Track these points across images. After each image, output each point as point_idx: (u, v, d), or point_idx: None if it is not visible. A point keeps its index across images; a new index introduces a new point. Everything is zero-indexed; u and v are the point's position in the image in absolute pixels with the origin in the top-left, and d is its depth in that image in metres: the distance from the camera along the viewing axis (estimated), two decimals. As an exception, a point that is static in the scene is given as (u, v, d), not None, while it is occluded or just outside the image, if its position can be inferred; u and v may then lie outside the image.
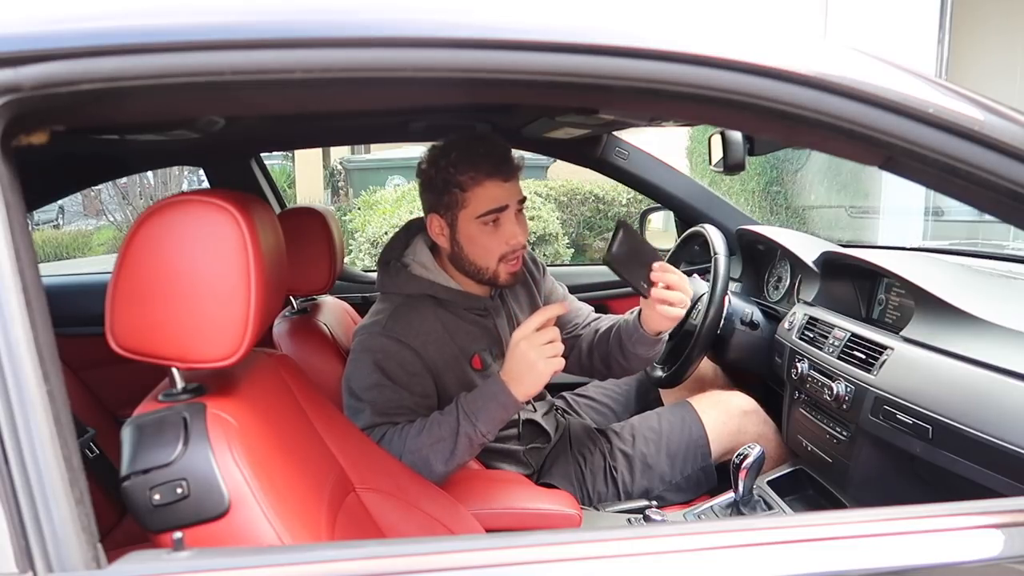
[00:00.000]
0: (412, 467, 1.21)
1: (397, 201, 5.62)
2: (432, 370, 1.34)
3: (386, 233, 4.84)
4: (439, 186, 1.34)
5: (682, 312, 1.31)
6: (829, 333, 1.47)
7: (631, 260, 1.26)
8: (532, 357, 1.19)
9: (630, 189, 2.92)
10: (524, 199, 1.38)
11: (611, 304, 2.26)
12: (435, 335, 1.36)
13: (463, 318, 1.41)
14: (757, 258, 2.05)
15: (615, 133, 2.00)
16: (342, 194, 8.83)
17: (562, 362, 1.21)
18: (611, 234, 1.27)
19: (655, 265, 1.27)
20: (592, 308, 1.69)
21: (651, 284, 1.28)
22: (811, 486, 1.56)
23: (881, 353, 1.28)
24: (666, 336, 1.48)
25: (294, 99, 0.73)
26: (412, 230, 1.47)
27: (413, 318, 1.35)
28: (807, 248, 1.73)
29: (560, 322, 1.62)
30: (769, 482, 1.57)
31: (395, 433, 1.26)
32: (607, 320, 1.58)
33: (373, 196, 6.16)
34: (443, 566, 0.58)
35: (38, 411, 0.54)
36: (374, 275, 1.75)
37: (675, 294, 1.28)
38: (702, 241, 1.81)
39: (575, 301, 1.67)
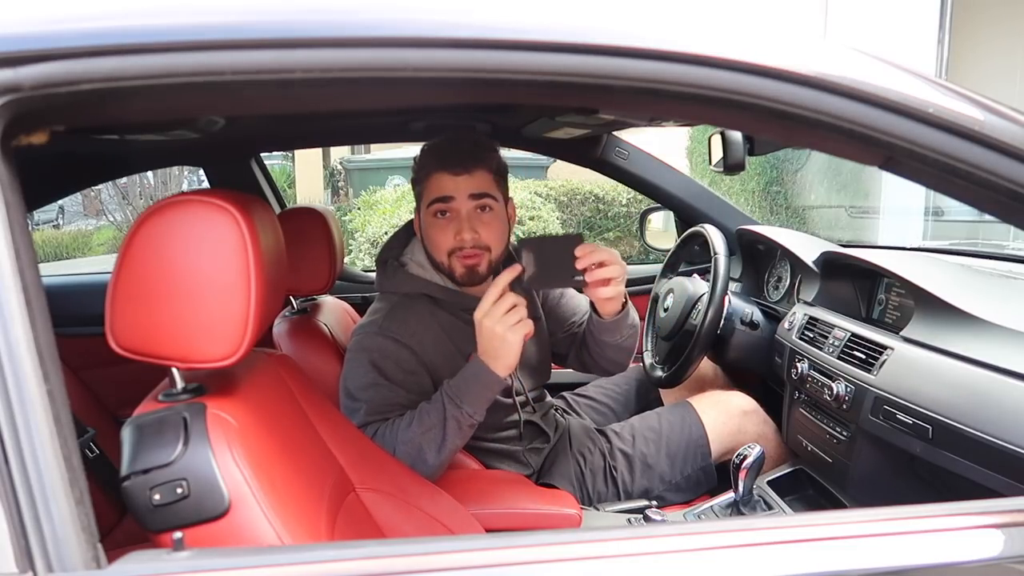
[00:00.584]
0: (406, 459, 1.21)
1: (397, 201, 5.62)
2: (429, 368, 1.35)
3: (386, 233, 4.83)
4: (413, 179, 1.41)
5: (621, 286, 1.28)
6: (829, 333, 1.47)
7: (550, 270, 1.21)
8: (499, 331, 1.19)
9: (630, 189, 2.92)
10: (483, 197, 1.34)
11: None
12: (432, 334, 1.36)
13: (459, 318, 1.41)
14: (757, 258, 2.05)
15: (615, 133, 2.00)
16: (342, 194, 8.83)
17: (530, 325, 1.20)
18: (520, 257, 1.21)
19: (578, 252, 1.19)
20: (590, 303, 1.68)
21: (582, 274, 1.21)
22: (811, 486, 1.56)
23: (881, 353, 1.28)
24: (633, 319, 1.46)
25: (294, 99, 0.73)
26: (411, 230, 1.48)
27: (409, 317, 1.36)
28: (807, 248, 1.73)
29: (558, 320, 1.62)
30: (769, 482, 1.57)
31: (387, 428, 1.27)
32: None
33: (373, 196, 6.16)
34: (443, 566, 0.58)
35: (38, 411, 0.54)
36: (374, 275, 1.75)
37: (608, 270, 1.24)
38: (702, 241, 1.81)
39: (574, 297, 1.67)
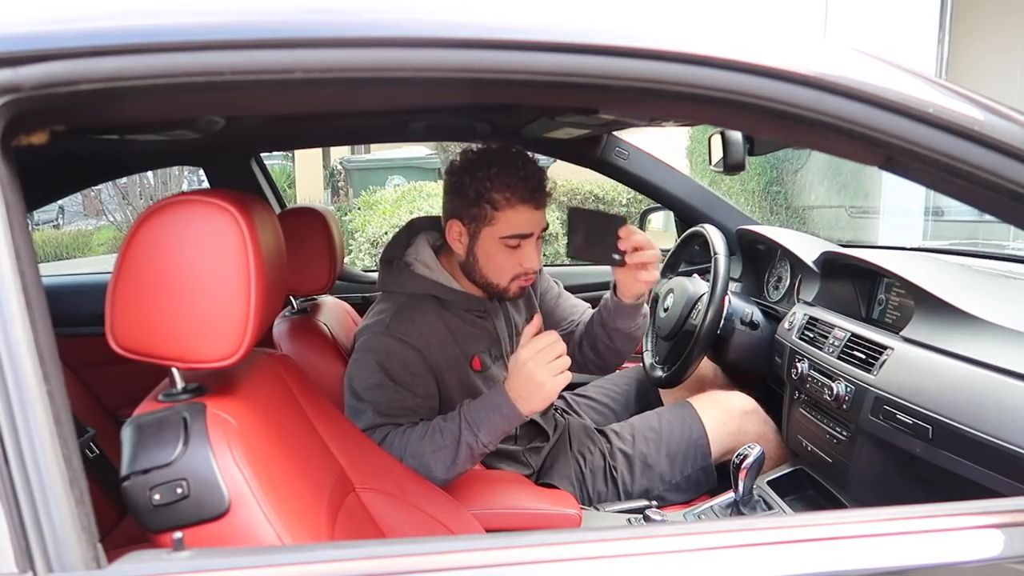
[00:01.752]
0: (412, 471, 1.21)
1: (397, 201, 5.62)
2: (434, 370, 1.34)
3: (386, 233, 4.84)
4: (470, 196, 1.32)
5: (657, 272, 1.34)
6: (829, 333, 1.47)
7: (595, 242, 1.28)
8: (541, 377, 1.16)
9: (630, 189, 2.92)
10: (547, 227, 1.38)
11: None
12: (438, 335, 1.36)
13: (464, 319, 1.41)
14: (757, 258, 2.05)
15: (615, 133, 2.00)
16: (342, 194, 8.83)
17: (569, 376, 1.20)
18: (567, 224, 1.31)
19: (621, 232, 1.27)
20: (588, 305, 1.69)
21: (623, 253, 1.29)
22: (811, 486, 1.56)
23: (881, 353, 1.28)
24: (646, 309, 1.50)
25: (294, 99, 0.73)
26: (413, 229, 1.47)
27: (416, 318, 1.35)
28: (807, 248, 1.73)
29: (556, 320, 1.63)
30: (769, 482, 1.57)
31: (396, 436, 1.26)
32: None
33: (373, 196, 6.17)
34: (443, 566, 0.58)
35: (38, 411, 0.54)
36: (374, 275, 1.74)
37: (647, 254, 1.30)
38: (702, 241, 1.81)
39: (570, 298, 1.67)
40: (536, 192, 1.31)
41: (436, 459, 1.23)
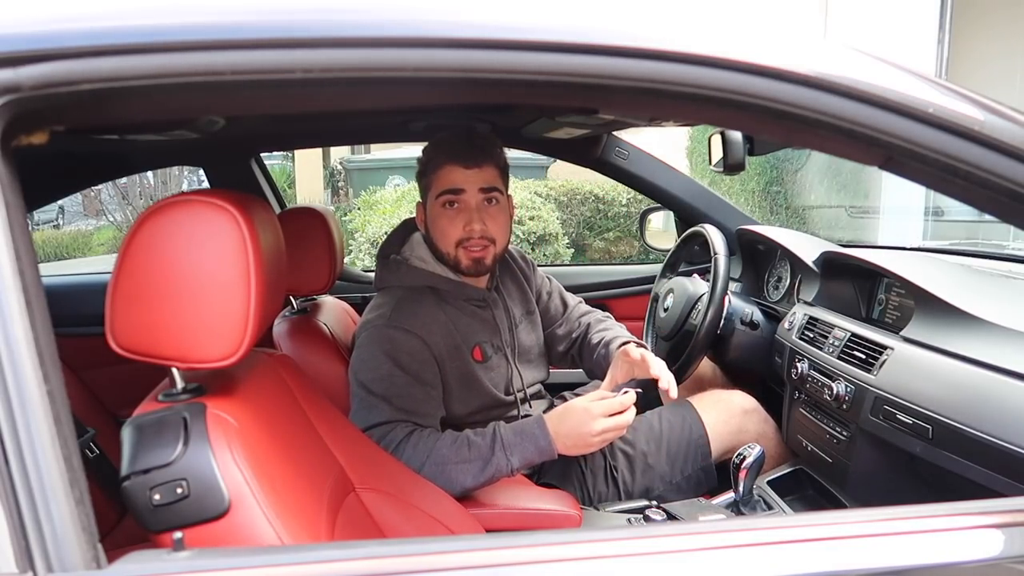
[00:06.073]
0: (430, 477, 1.21)
1: (397, 201, 5.62)
2: (437, 359, 1.36)
3: (386, 233, 4.83)
4: (419, 172, 1.43)
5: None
6: (829, 333, 1.47)
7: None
8: (592, 438, 1.25)
9: (630, 189, 2.92)
10: (492, 191, 1.38)
11: (611, 304, 2.25)
12: (439, 324, 1.38)
13: (463, 310, 1.42)
14: (757, 258, 2.05)
15: (615, 133, 2.01)
16: (342, 194, 8.83)
17: (609, 441, 1.30)
18: None
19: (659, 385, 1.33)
20: (586, 311, 1.71)
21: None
22: (811, 486, 1.56)
23: (881, 353, 1.28)
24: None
25: (294, 99, 0.73)
26: (408, 227, 1.50)
27: (417, 308, 1.37)
28: (807, 248, 1.74)
29: (545, 319, 1.65)
30: (769, 482, 1.57)
31: (421, 437, 1.27)
32: (596, 329, 1.62)
33: (373, 196, 6.16)
34: (443, 566, 0.58)
35: (38, 411, 0.54)
36: (374, 275, 1.74)
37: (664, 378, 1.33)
38: (702, 241, 1.81)
39: (555, 300, 1.69)
40: (461, 151, 1.36)
41: (459, 471, 1.24)
